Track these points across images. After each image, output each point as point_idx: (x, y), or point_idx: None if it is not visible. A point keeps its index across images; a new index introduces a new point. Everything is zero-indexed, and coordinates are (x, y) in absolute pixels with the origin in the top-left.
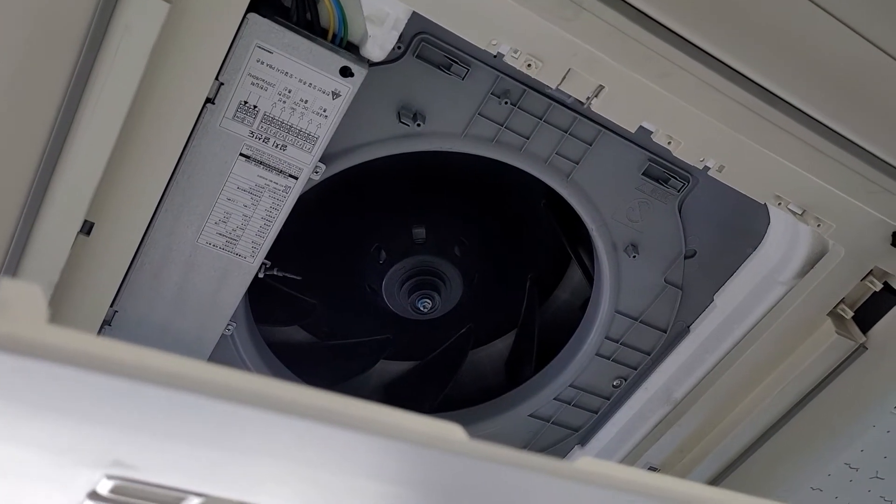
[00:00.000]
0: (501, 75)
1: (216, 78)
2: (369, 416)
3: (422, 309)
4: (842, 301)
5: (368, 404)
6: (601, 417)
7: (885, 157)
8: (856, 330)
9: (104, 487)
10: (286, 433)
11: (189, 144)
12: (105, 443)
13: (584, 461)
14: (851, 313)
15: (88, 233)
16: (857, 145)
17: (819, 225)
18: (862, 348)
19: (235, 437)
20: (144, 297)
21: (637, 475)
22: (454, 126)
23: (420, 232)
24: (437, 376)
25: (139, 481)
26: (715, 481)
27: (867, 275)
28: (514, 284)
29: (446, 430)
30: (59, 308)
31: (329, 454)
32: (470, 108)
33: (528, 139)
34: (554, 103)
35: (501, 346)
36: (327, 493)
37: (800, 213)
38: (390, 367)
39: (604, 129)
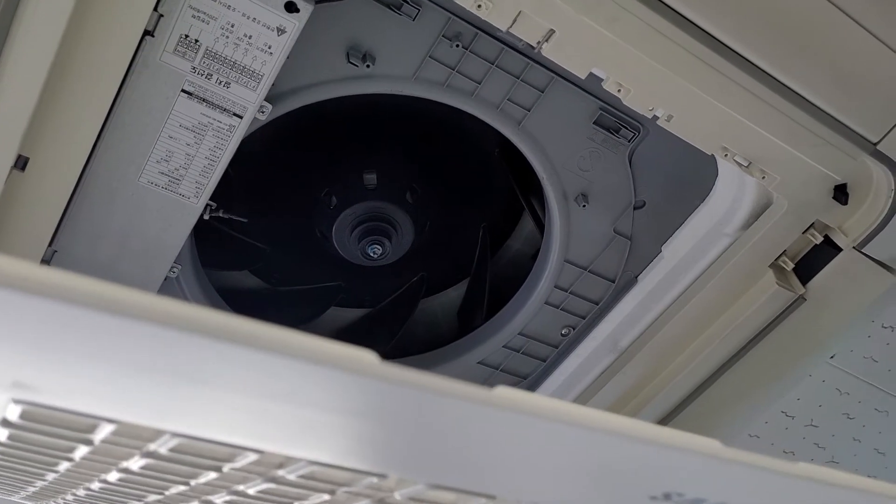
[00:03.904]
0: (453, 17)
1: (155, 9)
2: (280, 337)
3: (372, 255)
4: (783, 253)
5: (279, 328)
6: (549, 365)
7: (829, 110)
8: (796, 281)
9: (13, 413)
10: (198, 353)
11: (128, 78)
12: (2, 361)
13: (501, 388)
14: (792, 265)
15: (23, 168)
16: (804, 98)
17: (764, 177)
18: (801, 299)
19: (134, 354)
20: (85, 236)
21: (551, 403)
22: (405, 68)
23: (371, 178)
24: (389, 324)
25: (47, 406)
26: None
27: (809, 228)
28: (467, 233)
29: (358, 354)
30: None
31: (238, 376)
32: (421, 51)
33: (479, 84)
34: (506, 48)
35: (454, 294)
36: (243, 422)
37: (745, 164)
38: (342, 315)
39: (556, 76)
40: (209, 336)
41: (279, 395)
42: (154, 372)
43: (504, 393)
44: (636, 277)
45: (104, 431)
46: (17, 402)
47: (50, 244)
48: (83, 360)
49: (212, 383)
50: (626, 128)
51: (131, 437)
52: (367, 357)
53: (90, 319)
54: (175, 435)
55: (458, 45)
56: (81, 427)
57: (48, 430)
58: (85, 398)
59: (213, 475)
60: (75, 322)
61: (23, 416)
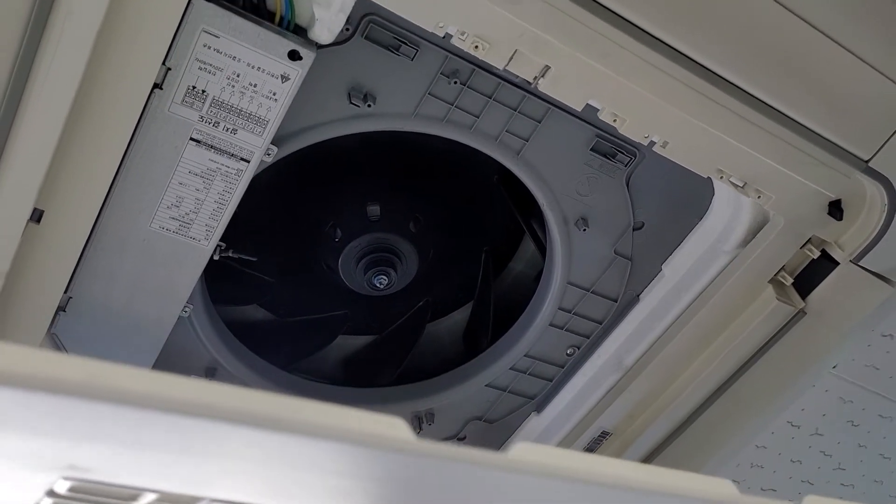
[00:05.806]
0: (450, 55)
1: (163, 63)
2: (313, 419)
3: (378, 286)
4: (782, 268)
5: (313, 405)
6: (556, 385)
7: (820, 131)
8: (795, 296)
9: (62, 487)
10: (233, 439)
11: (138, 130)
12: (58, 451)
13: (518, 448)
14: (791, 280)
15: (39, 220)
16: (794, 120)
17: (759, 196)
18: (801, 313)
19: (185, 443)
20: (99, 282)
21: (569, 459)
22: (405, 106)
23: (375, 209)
24: (396, 350)
25: (95, 481)
26: (664, 443)
27: (806, 243)
28: (470, 258)
29: (390, 428)
30: (12, 296)
31: (275, 454)
32: (420, 89)
33: (478, 118)
34: (503, 82)
35: (459, 318)
36: (276, 487)
37: (741, 185)
38: (350, 342)
39: (552, 107)
40: (245, 425)
41: (313, 468)
42: (195, 453)
43: (518, 455)
44: (638, 296)
45: (146, 500)
46: (66, 478)
47: (66, 291)
48: (131, 447)
49: (248, 460)
50: (623, 153)
51: (171, 502)
52: (401, 434)
53: (139, 415)
54: (213, 501)
55: (455, 82)
56: (124, 496)
57: (93, 499)
58: (131, 474)
59: None
60: (124, 417)
61: (71, 489)
